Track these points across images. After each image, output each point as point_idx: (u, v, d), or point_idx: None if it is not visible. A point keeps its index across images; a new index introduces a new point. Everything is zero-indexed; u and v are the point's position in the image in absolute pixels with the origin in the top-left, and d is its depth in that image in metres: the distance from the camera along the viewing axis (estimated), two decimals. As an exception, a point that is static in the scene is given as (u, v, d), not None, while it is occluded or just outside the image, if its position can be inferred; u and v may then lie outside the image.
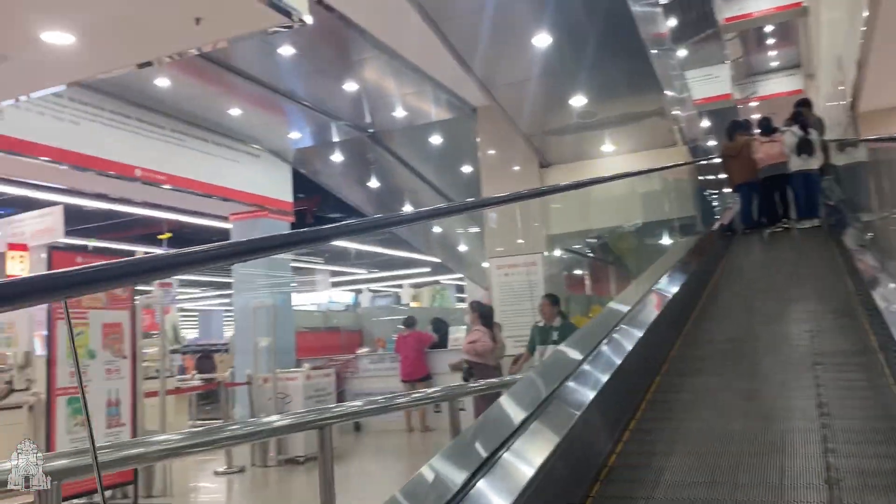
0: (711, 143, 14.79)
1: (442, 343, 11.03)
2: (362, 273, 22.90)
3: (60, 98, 8.00)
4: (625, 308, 4.44)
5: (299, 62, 8.38)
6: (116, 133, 8.76)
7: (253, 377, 8.34)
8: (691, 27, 12.41)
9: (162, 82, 8.55)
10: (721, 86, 14.56)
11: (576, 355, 3.38)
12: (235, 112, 9.77)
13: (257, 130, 10.63)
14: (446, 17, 6.26)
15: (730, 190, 9.80)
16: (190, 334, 24.86)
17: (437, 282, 24.78)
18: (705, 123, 15.18)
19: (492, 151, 9.61)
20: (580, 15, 6.52)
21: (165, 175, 9.39)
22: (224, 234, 12.18)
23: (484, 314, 8.00)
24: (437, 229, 14.65)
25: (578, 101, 7.77)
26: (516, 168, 9.44)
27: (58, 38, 4.89)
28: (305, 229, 2.16)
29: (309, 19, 4.88)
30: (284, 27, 4.88)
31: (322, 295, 20.99)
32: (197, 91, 8.97)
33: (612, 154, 9.03)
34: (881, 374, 3.26)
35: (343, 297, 22.30)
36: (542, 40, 6.61)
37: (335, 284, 23.21)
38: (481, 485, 1.98)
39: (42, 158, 7.78)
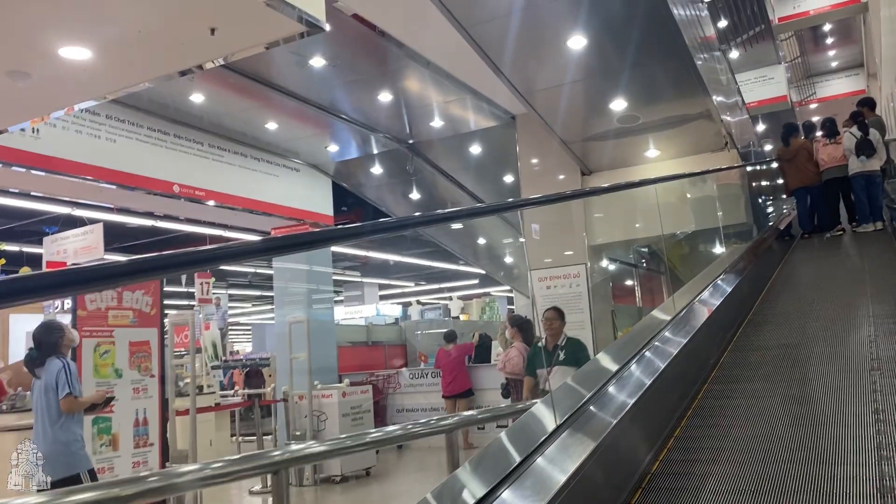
0: (767, 147, 14.20)
1: (485, 357, 10.77)
2: (410, 286, 22.76)
3: (97, 116, 8.05)
4: (670, 315, 4.24)
5: (336, 74, 8.29)
6: (155, 150, 8.80)
7: (289, 394, 8.20)
8: (743, 27, 11.91)
9: (198, 98, 8.55)
10: (776, 88, 13.98)
11: (616, 361, 3.27)
12: (274, 126, 9.73)
13: (296, 144, 10.57)
14: (476, 22, 6.03)
15: (785, 196, 9.36)
16: (246, 348, 25.16)
17: (486, 294, 24.50)
18: (760, 127, 14.59)
19: (533, 160, 9.33)
20: (617, 16, 6.21)
21: (205, 191, 9.39)
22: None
23: (522, 328, 7.71)
24: (482, 240, 14.42)
25: (619, 105, 7.44)
26: (559, 177, 9.14)
27: (76, 53, 4.84)
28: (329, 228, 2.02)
29: (327, 27, 4.72)
30: (303, 35, 4.73)
31: (369, 308, 20.93)
32: (235, 106, 8.95)
33: (656, 160, 8.65)
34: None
35: (391, 310, 22.18)
36: (577, 42, 6.32)
37: (383, 297, 23.15)
38: (507, 495, 1.93)
39: (82, 177, 7.83)
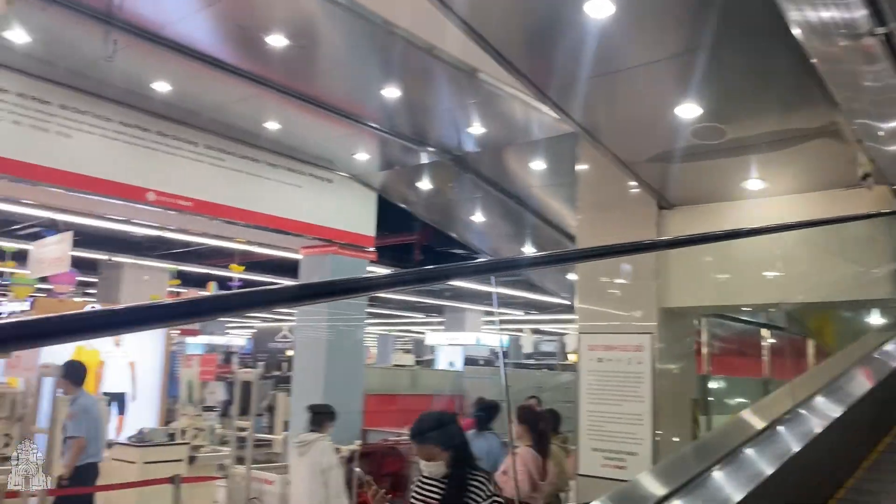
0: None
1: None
2: (518, 314, 20.50)
3: (47, 105, 6.71)
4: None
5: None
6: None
7: (228, 469, 6.38)
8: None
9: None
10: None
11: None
12: (318, 137, 8.16)
13: (338, 156, 8.88)
14: None
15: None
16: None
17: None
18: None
19: (593, 187, 6.97)
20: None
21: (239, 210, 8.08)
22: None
23: (534, 426, 5.35)
24: (572, 276, 12.02)
25: (691, 111, 4.97)
26: (626, 209, 6.72)
27: None
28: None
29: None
30: None
31: (468, 336, 18.92)
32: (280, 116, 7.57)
33: (761, 194, 6.00)
34: None
35: (492, 339, 20.04)
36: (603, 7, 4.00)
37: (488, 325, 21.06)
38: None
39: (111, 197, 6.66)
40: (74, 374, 6.30)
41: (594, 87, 4.83)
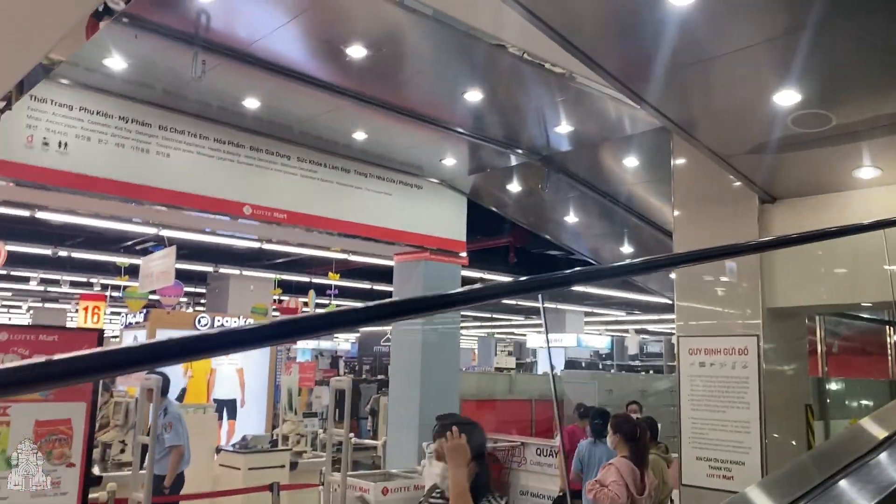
0: None
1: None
2: (620, 314, 19.95)
3: (147, 127, 7.02)
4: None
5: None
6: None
7: (325, 478, 6.44)
8: None
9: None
10: None
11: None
12: (405, 144, 8.21)
13: (426, 161, 8.88)
14: None
15: None
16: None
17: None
18: None
19: (691, 182, 6.63)
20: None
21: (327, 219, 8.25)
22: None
23: (630, 436, 5.11)
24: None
25: (790, 97, 4.62)
26: (725, 204, 6.36)
27: None
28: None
29: None
30: None
31: (569, 338, 18.55)
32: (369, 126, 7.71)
33: (874, 183, 5.52)
34: None
35: (596, 340, 19.58)
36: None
37: (589, 325, 20.60)
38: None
39: (119, 197, 6.88)
40: (161, 383, 6.51)
41: (683, 77, 4.56)
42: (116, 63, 6.19)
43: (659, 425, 6.91)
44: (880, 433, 3.75)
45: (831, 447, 5.39)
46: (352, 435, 9.67)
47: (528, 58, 6.07)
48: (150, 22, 5.49)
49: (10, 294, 20.32)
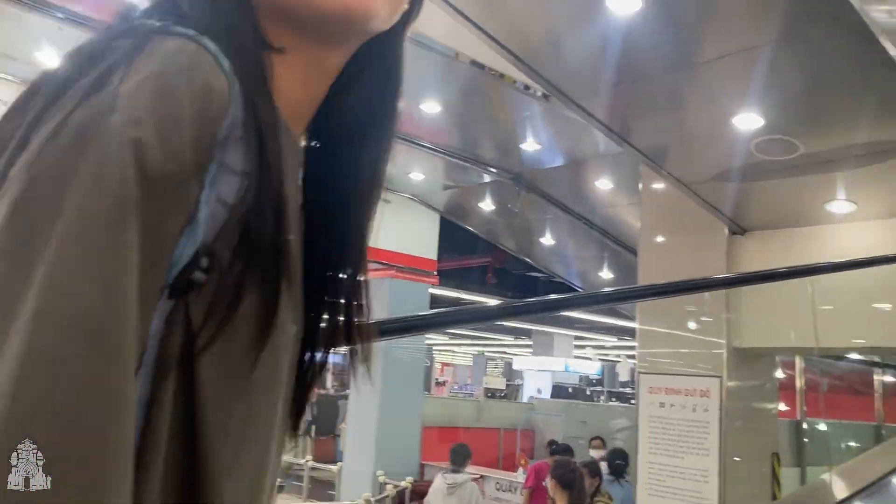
0: None
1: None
2: (612, 340, 19.45)
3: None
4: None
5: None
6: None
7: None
8: None
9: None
10: None
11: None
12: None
13: (393, 175, 8.51)
14: None
15: None
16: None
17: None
18: None
19: (656, 210, 6.24)
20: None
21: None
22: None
23: (565, 483, 4.66)
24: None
25: (751, 121, 4.22)
26: (693, 235, 5.95)
27: None
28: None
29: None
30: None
31: (557, 362, 18.05)
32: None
33: (848, 219, 5.09)
34: None
35: (585, 366, 19.08)
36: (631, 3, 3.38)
37: (579, 348, 20.10)
38: None
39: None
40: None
41: (629, 94, 4.18)
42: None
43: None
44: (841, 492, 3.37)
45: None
46: (309, 457, 9.26)
47: (491, 71, 5.75)
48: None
49: None
